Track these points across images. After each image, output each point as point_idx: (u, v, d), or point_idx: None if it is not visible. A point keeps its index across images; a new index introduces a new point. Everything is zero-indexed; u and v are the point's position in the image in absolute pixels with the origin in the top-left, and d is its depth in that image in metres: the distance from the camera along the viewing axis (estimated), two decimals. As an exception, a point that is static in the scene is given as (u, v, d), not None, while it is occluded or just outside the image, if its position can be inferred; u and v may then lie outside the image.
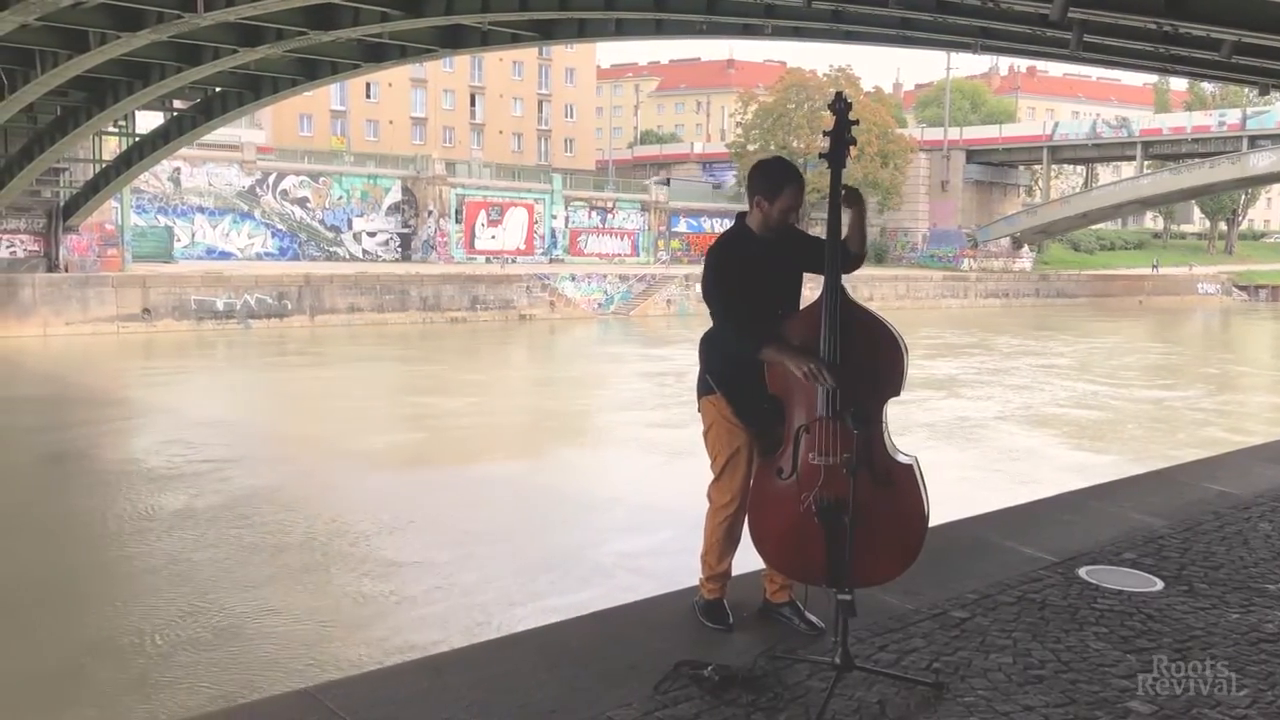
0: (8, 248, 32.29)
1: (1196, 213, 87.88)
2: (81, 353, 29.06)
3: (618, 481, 15.96)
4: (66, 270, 32.77)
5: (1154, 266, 69.81)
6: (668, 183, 62.83)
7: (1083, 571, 4.76)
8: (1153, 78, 68.04)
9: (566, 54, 75.57)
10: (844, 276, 3.65)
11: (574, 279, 44.44)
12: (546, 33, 20.83)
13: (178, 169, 42.17)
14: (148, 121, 30.86)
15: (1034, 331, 43.09)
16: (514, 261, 48.95)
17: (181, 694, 8.25)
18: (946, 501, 12.16)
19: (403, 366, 29.92)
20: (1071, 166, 74.09)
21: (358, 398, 23.82)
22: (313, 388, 25.78)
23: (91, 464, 16.98)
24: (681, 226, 59.33)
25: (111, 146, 32.43)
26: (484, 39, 21.31)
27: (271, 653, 9.13)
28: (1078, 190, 71.63)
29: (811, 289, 3.76)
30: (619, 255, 55.42)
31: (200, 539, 12.37)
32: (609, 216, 56.18)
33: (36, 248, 32.77)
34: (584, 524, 13.42)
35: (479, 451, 18.56)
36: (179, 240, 42.03)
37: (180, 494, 14.43)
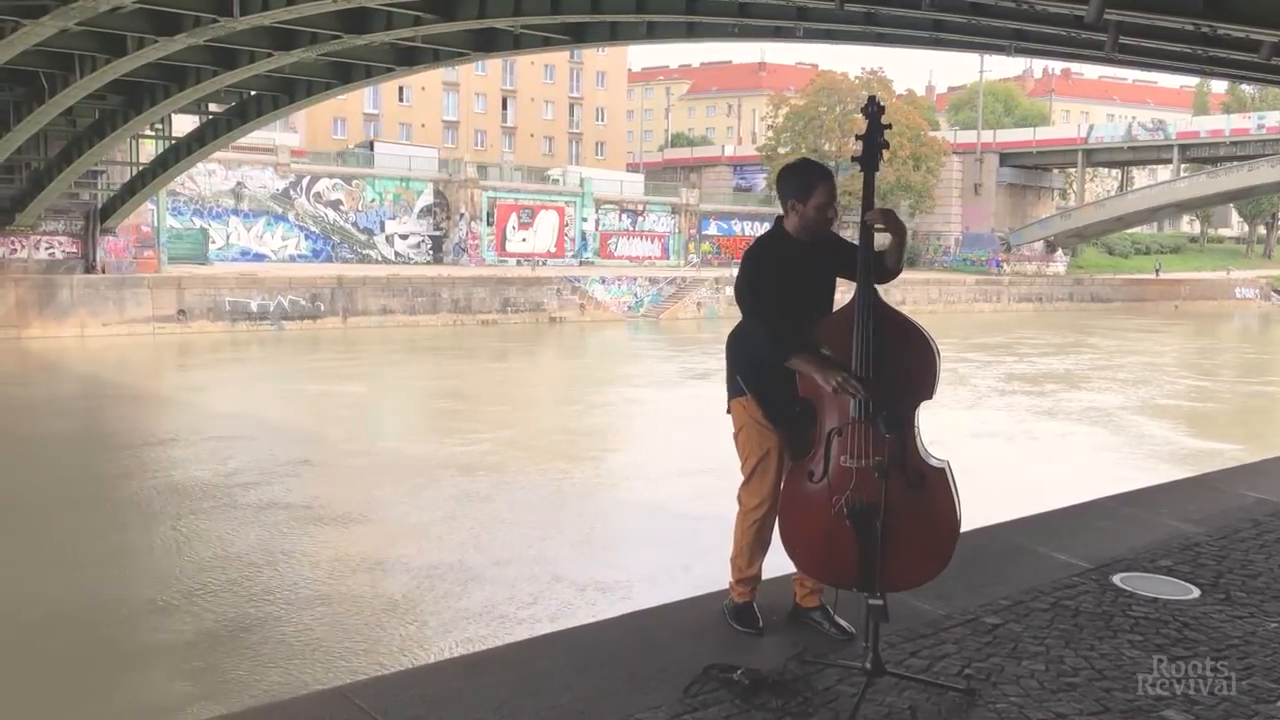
0: (46, 249, 32.75)
1: (1234, 216, 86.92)
2: (122, 354, 29.50)
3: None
4: (103, 272, 33.19)
5: (1156, 270, 69.02)
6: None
7: (1117, 578, 4.70)
8: (1190, 80, 67.33)
9: (598, 57, 75.73)
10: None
11: (604, 282, 44.49)
12: (578, 36, 20.87)
13: (240, 183, 43.11)
14: (183, 125, 31.19)
15: (1122, 333, 45.16)
16: (544, 264, 49.07)
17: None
18: (1096, 480, 12.49)
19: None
20: (1106, 170, 73.36)
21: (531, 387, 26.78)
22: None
23: (164, 467, 17.10)
24: (712, 229, 59.27)
25: (148, 149, 32.80)
26: (516, 42, 21.40)
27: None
28: (1112, 194, 70.97)
29: (843, 292, 3.75)
30: (649, 258, 55.43)
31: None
32: (639, 219, 56.22)
33: (74, 249, 33.21)
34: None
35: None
36: (214, 242, 42.47)
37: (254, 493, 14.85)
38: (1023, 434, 21.39)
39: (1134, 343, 41.66)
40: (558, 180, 55.97)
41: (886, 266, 3.71)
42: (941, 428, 19.44)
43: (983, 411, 23.65)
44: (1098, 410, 24.08)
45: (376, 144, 53.66)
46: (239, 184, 43.08)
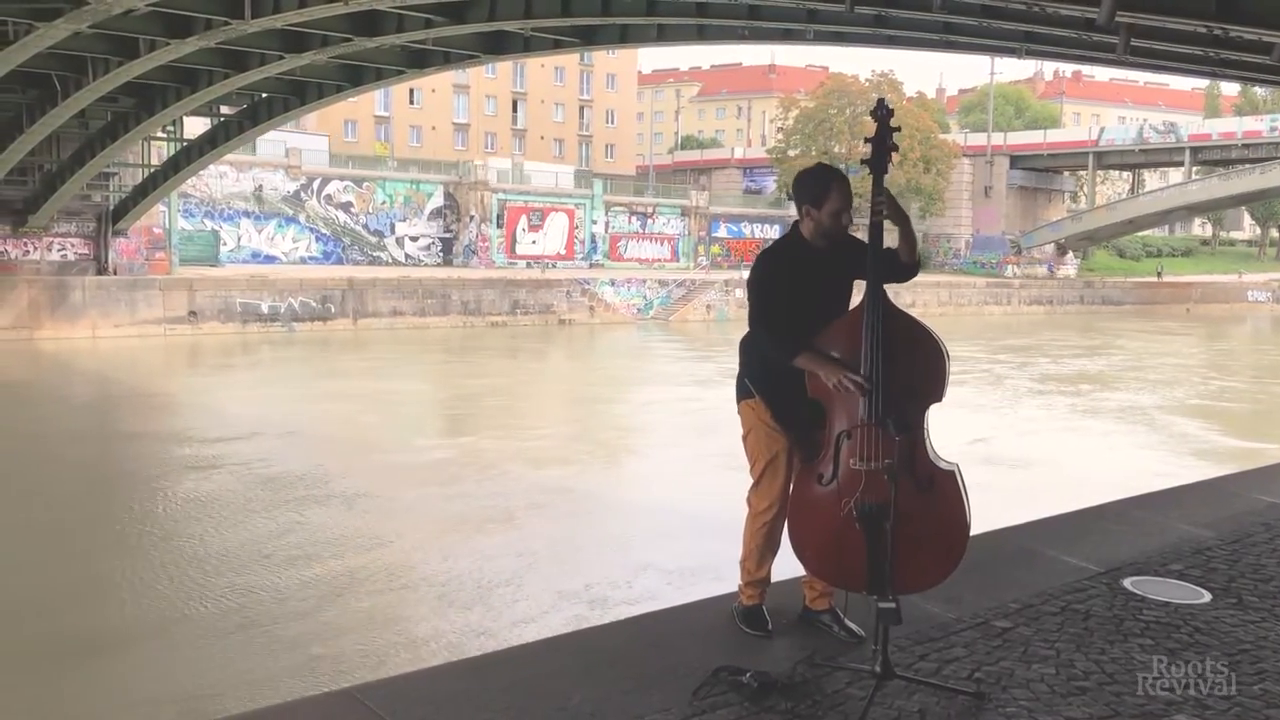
0: (59, 251, 32.87)
1: (1246, 219, 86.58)
2: (142, 355, 29.76)
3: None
4: (115, 273, 33.30)
5: (1158, 273, 68.78)
6: None
7: (1128, 582, 4.68)
8: (1202, 82, 67.09)
9: (608, 60, 75.75)
10: (896, 285, 3.64)
11: (613, 284, 44.51)
12: (588, 38, 20.88)
13: (259, 185, 43.44)
14: (195, 127, 31.30)
15: (1147, 335, 46.09)
16: (554, 266, 49.09)
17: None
18: (1144, 476, 13.66)
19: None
20: (1118, 172, 73.19)
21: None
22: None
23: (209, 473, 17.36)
24: (722, 232, 59.22)
25: (160, 151, 32.91)
26: (526, 44, 21.41)
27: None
28: (1124, 196, 70.77)
29: (855, 295, 3.74)
30: (659, 260, 55.43)
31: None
32: (649, 222, 56.21)
33: (86, 251, 33.33)
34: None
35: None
36: (225, 244, 42.57)
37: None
38: (1066, 431, 22.09)
39: (1160, 344, 42.34)
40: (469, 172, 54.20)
41: (900, 262, 3.71)
42: (987, 427, 19.71)
43: (1025, 410, 24.75)
44: (1135, 409, 24.82)
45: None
46: (260, 186, 43.36)
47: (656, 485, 16.29)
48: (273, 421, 21.01)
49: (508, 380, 28.73)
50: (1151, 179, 78.42)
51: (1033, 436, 20.91)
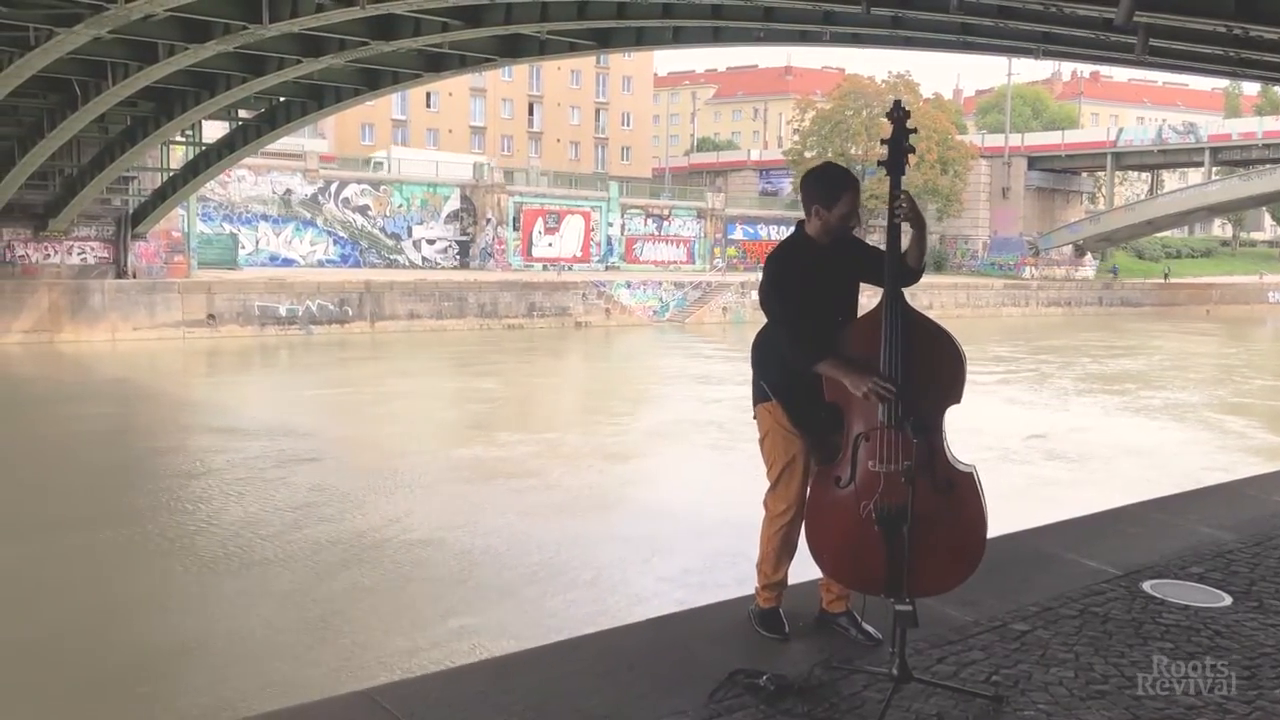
0: (79, 254, 33.08)
1: (1268, 220, 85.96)
2: (160, 357, 29.99)
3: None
4: (134, 276, 33.48)
5: (1165, 275, 68.35)
6: None
7: (1147, 585, 4.66)
8: (1222, 82, 66.70)
9: (624, 62, 75.79)
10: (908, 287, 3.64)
11: (629, 286, 44.53)
12: (604, 41, 20.92)
13: (289, 191, 43.93)
14: (213, 131, 31.45)
15: (1183, 336, 46.36)
16: (570, 269, 49.14)
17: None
18: (1195, 470, 14.69)
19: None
20: (1136, 173, 72.77)
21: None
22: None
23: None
24: (738, 234, 59.15)
25: (179, 155, 33.09)
26: (542, 48, 21.43)
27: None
28: (1143, 197, 70.36)
29: (869, 296, 3.73)
30: (675, 262, 55.39)
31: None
32: (665, 224, 56.20)
33: (106, 254, 33.53)
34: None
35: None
36: (243, 247, 42.71)
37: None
38: (1120, 427, 22.38)
39: (1193, 344, 42.59)
40: (381, 164, 52.03)
41: (908, 266, 3.70)
42: (1043, 423, 20.27)
43: (1076, 407, 25.24)
44: (1185, 406, 25.33)
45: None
46: (288, 191, 43.67)
47: (738, 479, 16.46)
48: (347, 420, 21.63)
49: (561, 379, 29.54)
50: (1171, 180, 77.93)
51: (1088, 432, 21.24)
